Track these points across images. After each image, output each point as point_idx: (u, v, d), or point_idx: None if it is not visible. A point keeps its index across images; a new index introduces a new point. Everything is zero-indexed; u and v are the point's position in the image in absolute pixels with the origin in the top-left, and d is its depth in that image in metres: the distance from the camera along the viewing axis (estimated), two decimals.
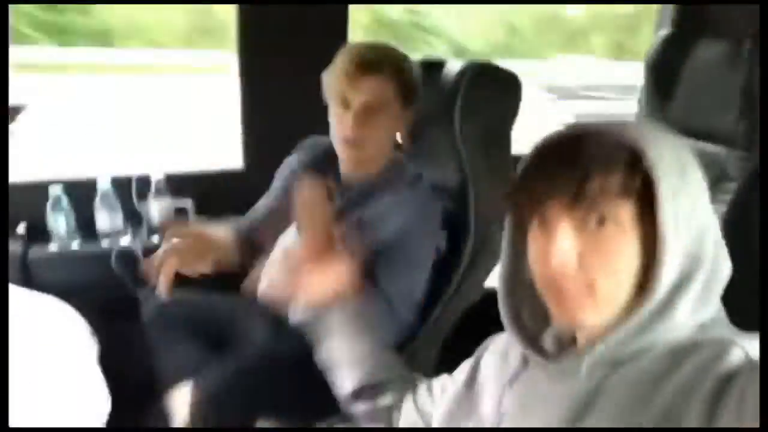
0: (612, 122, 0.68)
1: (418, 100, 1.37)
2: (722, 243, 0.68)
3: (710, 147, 1.48)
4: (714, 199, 1.35)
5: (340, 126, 1.33)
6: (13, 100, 1.39)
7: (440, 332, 1.46)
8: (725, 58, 1.48)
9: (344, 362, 0.96)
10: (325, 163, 1.44)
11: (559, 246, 0.64)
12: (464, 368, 0.89)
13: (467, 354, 0.91)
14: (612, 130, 0.65)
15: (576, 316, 0.66)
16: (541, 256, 0.67)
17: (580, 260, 0.64)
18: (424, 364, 1.36)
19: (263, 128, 1.92)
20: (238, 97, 1.91)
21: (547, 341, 0.75)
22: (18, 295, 1.35)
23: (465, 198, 1.43)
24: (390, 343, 1.24)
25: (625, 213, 0.63)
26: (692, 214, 0.64)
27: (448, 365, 0.95)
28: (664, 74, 1.67)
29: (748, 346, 0.60)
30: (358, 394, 0.95)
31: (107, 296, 1.63)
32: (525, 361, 0.76)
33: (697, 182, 0.66)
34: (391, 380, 0.95)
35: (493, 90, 1.46)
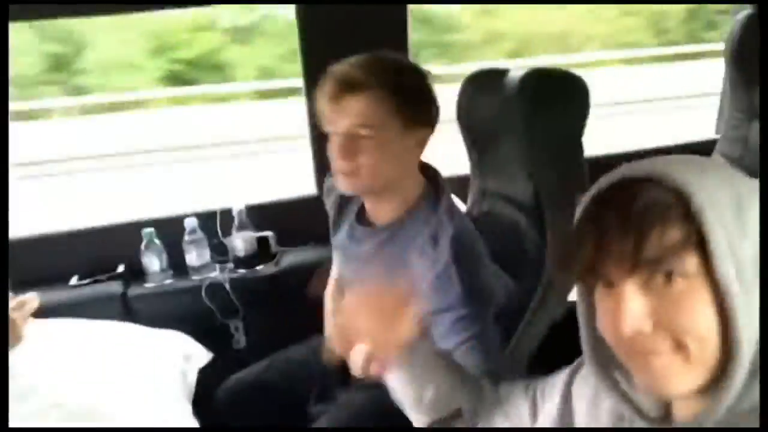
0: (659, 160, 0.62)
1: (431, 115, 1.19)
2: None
3: None
4: None
5: (331, 156, 1.17)
6: None
7: (525, 349, 1.42)
8: None
9: (413, 410, 0.92)
10: (347, 203, 1.36)
11: (629, 308, 0.59)
12: (556, 388, 0.85)
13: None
14: (658, 172, 0.60)
15: (667, 383, 0.60)
16: (612, 321, 0.62)
17: (656, 320, 0.59)
18: None
19: None
20: (306, 118, 1.92)
21: (646, 401, 0.69)
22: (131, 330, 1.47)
23: (539, 208, 1.39)
24: None
25: (691, 265, 0.57)
26: (757, 253, 0.58)
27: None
28: (747, 58, 1.57)
29: None
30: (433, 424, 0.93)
31: (200, 327, 1.71)
32: (620, 417, 0.71)
33: (755, 219, 0.60)
34: (462, 407, 0.91)
35: (560, 95, 1.42)
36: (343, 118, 1.12)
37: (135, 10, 1.78)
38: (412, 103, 1.14)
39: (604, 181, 0.64)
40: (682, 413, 0.65)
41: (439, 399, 0.89)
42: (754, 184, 0.61)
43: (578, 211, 0.65)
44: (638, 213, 0.58)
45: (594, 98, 1.41)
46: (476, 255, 1.15)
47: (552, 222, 1.37)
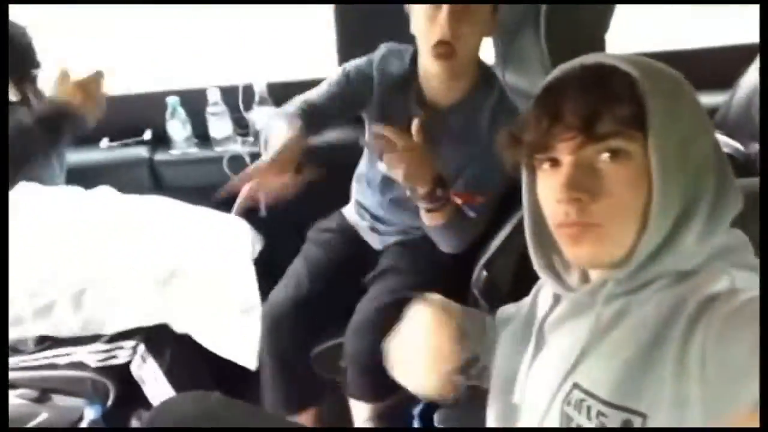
0: (614, 54, 0.68)
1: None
2: (730, 174, 0.68)
3: None
4: None
5: (431, 28, 1.22)
6: None
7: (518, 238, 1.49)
8: None
9: None
10: (405, 83, 1.39)
11: (573, 183, 0.65)
12: (522, 304, 0.91)
13: None
14: (612, 61, 0.66)
15: (590, 254, 0.68)
16: (552, 193, 0.68)
17: (594, 197, 0.65)
18: (501, 272, 1.36)
19: (357, 27, 1.91)
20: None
21: (573, 279, 0.77)
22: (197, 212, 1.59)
23: None
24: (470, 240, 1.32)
25: (636, 145, 0.64)
26: (689, 142, 0.64)
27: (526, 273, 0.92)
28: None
29: (740, 275, 0.62)
30: None
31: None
32: (556, 299, 0.79)
33: (694, 113, 0.66)
34: (478, 351, 0.91)
35: None
36: None
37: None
38: None
39: (562, 68, 0.70)
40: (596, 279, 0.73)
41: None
42: (689, 84, 0.68)
43: (537, 94, 0.71)
44: (592, 92, 0.65)
45: None
46: None
47: None
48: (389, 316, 1.30)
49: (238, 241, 1.57)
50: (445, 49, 1.23)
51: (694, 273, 0.65)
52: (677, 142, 0.63)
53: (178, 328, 1.40)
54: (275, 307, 1.44)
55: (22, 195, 1.43)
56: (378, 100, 1.42)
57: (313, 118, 1.36)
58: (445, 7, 1.20)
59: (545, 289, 0.83)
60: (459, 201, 1.24)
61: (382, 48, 1.44)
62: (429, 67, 1.29)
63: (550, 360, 0.74)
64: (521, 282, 0.91)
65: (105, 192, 1.61)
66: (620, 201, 0.65)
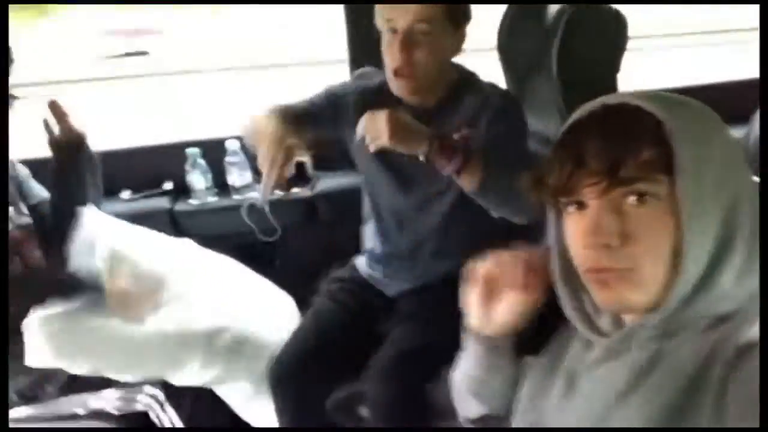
0: (637, 92, 0.66)
1: (468, 18, 1.31)
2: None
3: None
4: None
5: (390, 54, 1.27)
6: None
7: None
8: None
9: (470, 393, 0.90)
10: (380, 95, 1.39)
11: (600, 223, 0.64)
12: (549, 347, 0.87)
13: None
14: (636, 101, 0.64)
15: (620, 299, 0.66)
16: (581, 238, 0.66)
17: (623, 241, 0.63)
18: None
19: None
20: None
21: (605, 322, 0.75)
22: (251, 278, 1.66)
23: None
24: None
25: (661, 187, 0.62)
26: (721, 183, 0.62)
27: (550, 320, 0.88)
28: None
29: None
30: (478, 420, 0.91)
31: (240, 242, 1.84)
32: (587, 343, 0.76)
33: (725, 150, 0.64)
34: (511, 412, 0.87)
35: (594, 31, 1.41)
36: (405, 16, 1.23)
37: None
38: (460, 5, 1.28)
39: (584, 108, 0.69)
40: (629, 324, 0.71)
41: (501, 393, 0.87)
42: (718, 118, 0.66)
43: (559, 136, 0.70)
44: (616, 136, 0.63)
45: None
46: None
47: None
48: (411, 362, 1.33)
49: (286, 312, 1.63)
50: (401, 75, 1.27)
51: (730, 316, 0.63)
52: (707, 183, 0.62)
53: (221, 392, 1.41)
54: (280, 365, 1.42)
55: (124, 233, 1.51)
56: (359, 103, 1.40)
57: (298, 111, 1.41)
58: (398, 35, 1.24)
59: (574, 332, 0.80)
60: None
61: (360, 69, 1.50)
62: (392, 88, 1.33)
63: (582, 404, 0.72)
64: (545, 329, 0.88)
65: (187, 244, 1.65)
66: (650, 244, 0.63)
